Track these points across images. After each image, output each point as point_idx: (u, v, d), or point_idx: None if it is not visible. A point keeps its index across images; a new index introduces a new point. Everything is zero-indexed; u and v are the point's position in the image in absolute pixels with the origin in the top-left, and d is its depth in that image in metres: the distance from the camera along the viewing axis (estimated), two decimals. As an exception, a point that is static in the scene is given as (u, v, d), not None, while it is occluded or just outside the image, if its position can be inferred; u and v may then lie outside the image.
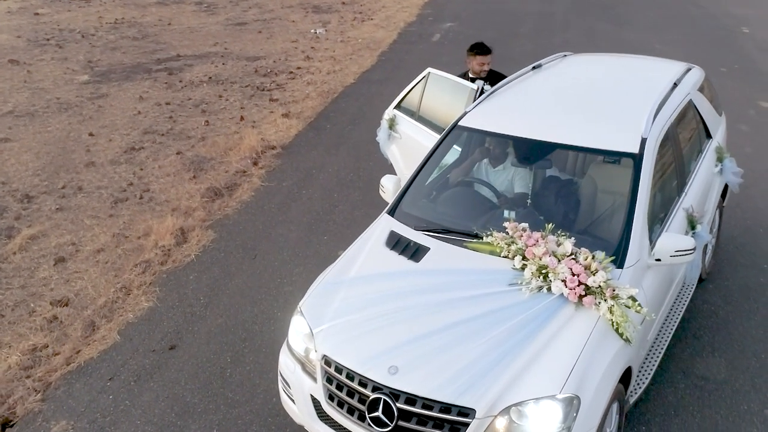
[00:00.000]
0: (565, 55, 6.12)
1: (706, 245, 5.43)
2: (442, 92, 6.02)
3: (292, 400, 3.95)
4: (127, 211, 7.55)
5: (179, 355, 5.17)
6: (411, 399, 3.40)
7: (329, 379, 3.68)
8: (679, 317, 4.94)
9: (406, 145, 6.04)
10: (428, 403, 3.37)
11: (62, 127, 10.10)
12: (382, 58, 13.37)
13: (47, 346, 5.39)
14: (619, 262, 3.93)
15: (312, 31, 15.80)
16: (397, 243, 4.27)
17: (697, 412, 4.50)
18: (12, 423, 4.62)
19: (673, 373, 4.83)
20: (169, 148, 9.21)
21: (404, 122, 6.15)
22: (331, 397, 3.69)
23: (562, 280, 3.75)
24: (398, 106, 6.31)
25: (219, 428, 4.46)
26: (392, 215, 4.60)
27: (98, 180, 8.36)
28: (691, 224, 4.71)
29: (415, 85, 6.27)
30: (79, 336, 5.46)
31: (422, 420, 3.39)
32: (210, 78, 12.37)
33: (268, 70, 12.80)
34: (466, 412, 3.32)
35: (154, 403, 4.70)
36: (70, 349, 5.31)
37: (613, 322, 3.63)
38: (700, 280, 5.57)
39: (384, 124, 6.29)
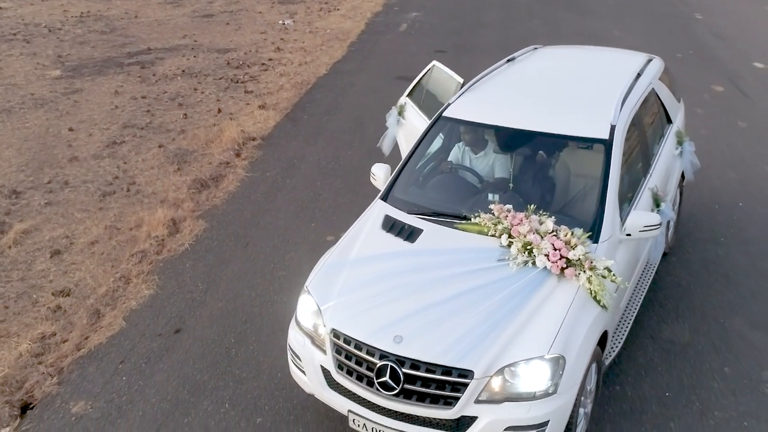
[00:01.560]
0: (536, 48, 6.56)
1: (669, 221, 5.90)
2: (439, 83, 6.42)
3: (303, 372, 4.27)
4: (115, 204, 7.77)
5: (185, 338, 5.48)
6: (415, 364, 3.75)
7: (338, 351, 4.01)
8: (647, 287, 5.42)
9: (408, 131, 6.41)
10: (431, 368, 3.73)
11: (40, 122, 10.21)
12: (351, 48, 13.67)
13: (55, 334, 5.64)
14: (594, 237, 4.36)
15: (280, 22, 16.00)
16: (392, 226, 4.63)
17: (665, 372, 4.98)
18: (32, 406, 4.88)
19: (642, 338, 5.31)
20: (151, 142, 9.42)
21: (410, 110, 6.53)
22: (340, 367, 4.01)
23: (545, 255, 4.16)
24: (409, 94, 6.69)
25: (230, 402, 4.80)
26: (385, 201, 4.96)
27: (83, 174, 8.54)
28: (656, 202, 5.13)
29: (422, 76, 6.65)
30: (85, 323, 5.72)
31: (426, 383, 3.75)
32: (183, 71, 12.53)
33: (240, 62, 13.01)
34: (465, 373, 3.69)
35: (166, 382, 5.01)
36: (78, 335, 5.58)
37: (591, 291, 4.05)
38: (664, 254, 6.04)
39: (394, 110, 6.66)
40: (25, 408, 4.87)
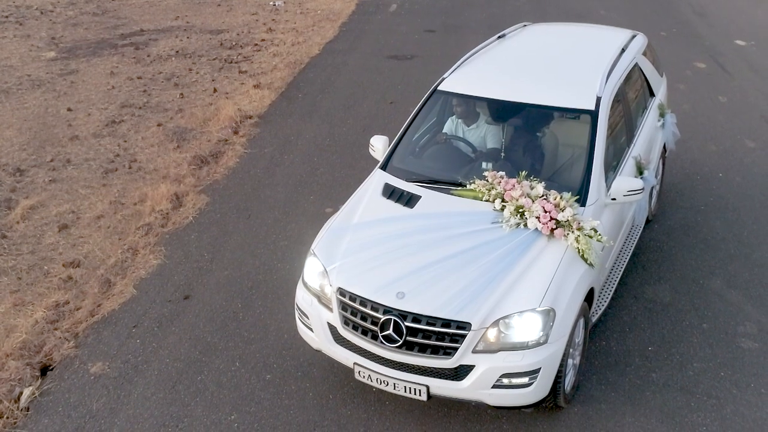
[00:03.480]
0: (525, 25, 6.85)
1: (651, 189, 6.23)
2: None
3: (310, 329, 4.53)
4: (118, 181, 8.00)
5: (194, 303, 5.76)
6: (417, 318, 4.02)
7: (344, 308, 4.27)
8: (631, 251, 5.74)
9: None
10: (431, 321, 4.00)
11: (39, 103, 10.39)
12: (343, 28, 13.86)
13: (68, 302, 5.90)
14: (582, 201, 4.67)
15: (271, 3, 16.14)
16: (392, 193, 4.90)
17: (647, 329, 5.31)
18: (52, 367, 5.16)
19: (626, 298, 5.64)
20: (149, 121, 9.63)
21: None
22: (346, 323, 4.27)
23: (536, 217, 4.45)
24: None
25: (240, 361, 5.09)
26: (384, 170, 5.24)
27: (84, 152, 8.75)
28: (640, 170, 5.46)
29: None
30: (97, 292, 5.98)
31: (426, 335, 4.02)
32: (177, 52, 12.70)
33: (233, 43, 13.18)
34: (463, 325, 3.98)
35: (178, 344, 5.30)
36: (90, 303, 5.84)
37: (579, 250, 4.36)
38: (648, 221, 6.36)
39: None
40: (44, 370, 5.15)
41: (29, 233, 7.02)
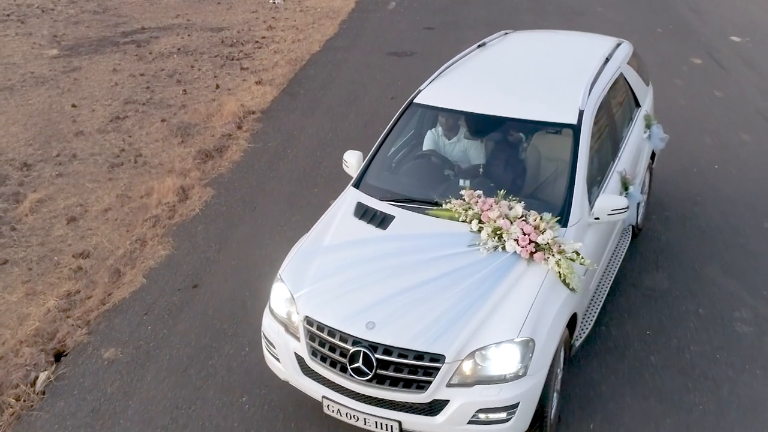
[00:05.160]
0: (507, 33, 6.63)
1: (638, 205, 5.92)
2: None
3: (277, 359, 4.30)
4: (124, 175, 8.13)
5: (203, 292, 5.89)
6: (388, 350, 3.79)
7: (312, 337, 4.03)
8: (616, 269, 5.52)
9: None
10: (403, 353, 3.77)
11: (43, 99, 10.50)
12: (342, 26, 14.00)
13: (79, 292, 6.03)
14: (563, 221, 4.42)
15: (271, 1, 16.26)
16: (364, 213, 4.67)
17: (646, 314, 5.46)
18: (65, 353, 5.28)
19: (625, 286, 5.78)
20: (153, 116, 9.75)
21: None
22: (314, 353, 4.04)
23: (515, 240, 4.23)
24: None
25: (249, 347, 5.22)
26: (357, 188, 5.00)
27: (90, 148, 8.87)
28: (625, 186, 5.23)
29: None
30: (107, 281, 6.11)
31: (398, 367, 3.79)
32: (179, 49, 12.82)
33: (234, 41, 13.31)
34: (437, 357, 3.74)
35: (188, 330, 5.43)
36: (101, 292, 5.96)
37: (560, 274, 4.12)
38: (635, 234, 6.23)
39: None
40: (59, 356, 5.27)
41: (38, 225, 7.14)
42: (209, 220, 7.01)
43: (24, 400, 4.81)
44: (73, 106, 10.19)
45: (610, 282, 5.36)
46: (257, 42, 13.17)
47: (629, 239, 5.95)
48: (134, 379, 4.97)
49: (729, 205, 6.97)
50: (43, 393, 4.89)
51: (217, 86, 10.81)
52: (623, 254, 5.72)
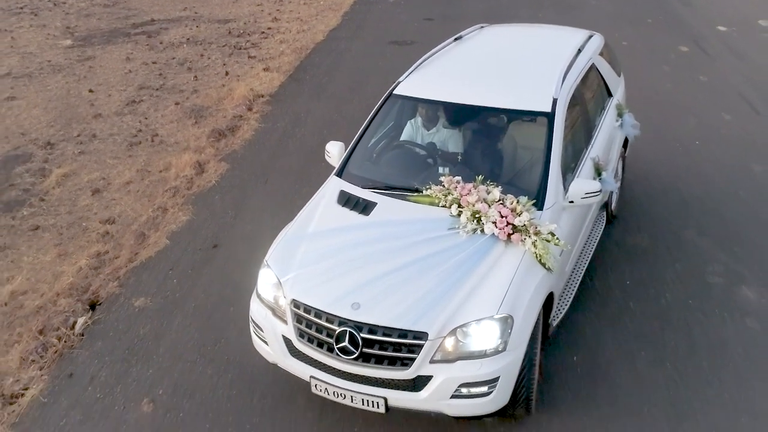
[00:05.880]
0: (483, 27, 6.84)
1: (611, 193, 6.24)
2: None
3: (265, 342, 4.43)
4: (143, 152, 8.65)
5: (222, 251, 6.42)
6: (373, 329, 3.93)
7: (299, 320, 4.16)
8: (590, 255, 5.73)
9: None
10: (387, 331, 3.91)
11: (60, 85, 11.02)
12: (345, 17, 14.53)
13: (107, 252, 6.55)
14: (539, 205, 4.60)
15: (275, -6, 16.77)
16: (347, 200, 4.82)
17: (627, 269, 5.99)
18: (99, 303, 5.81)
19: (609, 245, 6.31)
20: (167, 100, 10.27)
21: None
22: (301, 335, 4.16)
23: (493, 222, 4.38)
24: None
25: (267, 297, 5.74)
26: (340, 176, 5.17)
27: (108, 128, 9.40)
28: (598, 171, 5.41)
29: None
30: (133, 243, 6.63)
31: (383, 346, 3.94)
32: (188, 39, 13.34)
33: (241, 32, 13.83)
34: (420, 335, 3.89)
35: (211, 283, 5.96)
36: (128, 252, 6.49)
37: (536, 255, 4.29)
38: (609, 221, 6.46)
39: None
40: (93, 305, 5.79)
41: (65, 197, 7.66)
42: (225, 190, 7.54)
43: (65, 341, 5.34)
44: (90, 91, 10.71)
45: (585, 265, 5.58)
46: (263, 33, 13.69)
47: (603, 225, 6.20)
48: (163, 324, 5.50)
49: (708, 176, 7.50)
50: (82, 335, 5.42)
51: (227, 73, 11.34)
52: (597, 239, 5.96)
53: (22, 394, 4.86)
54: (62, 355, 5.22)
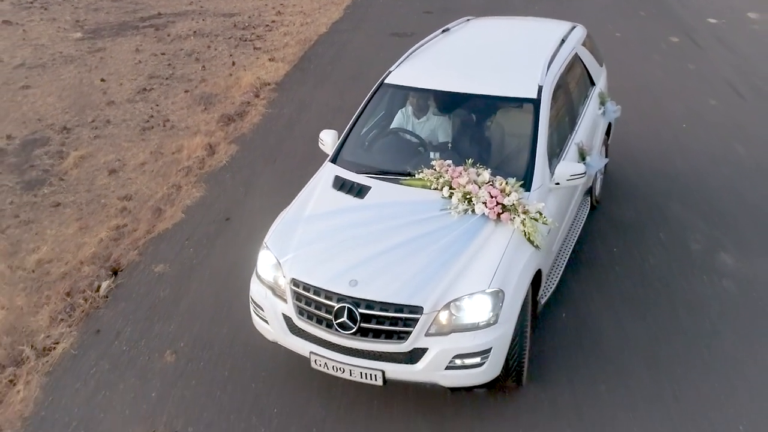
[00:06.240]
0: (469, 19, 7.10)
1: (595, 177, 6.51)
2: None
3: (266, 321, 4.58)
4: (155, 136, 9.07)
5: (234, 224, 6.84)
6: (370, 305, 4.09)
7: (298, 298, 4.31)
8: (575, 238, 5.99)
9: None
10: (384, 306, 4.08)
11: (73, 75, 11.44)
12: (347, 11, 14.97)
13: (126, 225, 6.96)
14: (527, 186, 4.79)
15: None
16: (342, 185, 4.99)
17: (613, 237, 6.40)
18: (121, 269, 6.22)
19: (597, 216, 6.71)
20: (176, 89, 10.69)
21: None
22: (301, 313, 4.31)
23: (483, 203, 4.57)
24: None
25: (277, 263, 6.15)
26: (334, 163, 5.35)
27: (121, 115, 9.81)
28: (582, 156, 5.65)
29: None
30: (150, 217, 7.05)
31: (380, 321, 4.10)
32: (194, 32, 13.76)
33: (246, 25, 14.25)
34: (416, 309, 4.06)
35: (225, 252, 6.38)
36: (146, 225, 6.90)
37: (525, 233, 4.50)
38: (593, 207, 6.69)
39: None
40: (115, 271, 6.21)
41: (83, 177, 8.08)
42: (235, 169, 7.96)
43: (91, 302, 5.76)
44: (102, 80, 11.12)
45: (571, 248, 5.83)
46: (267, 26, 14.12)
47: (587, 210, 6.44)
48: (182, 287, 5.92)
49: (693, 155, 7.92)
50: (106, 297, 5.84)
51: (233, 63, 11.75)
52: (582, 224, 6.21)
53: (54, 348, 5.28)
54: (89, 315, 5.64)
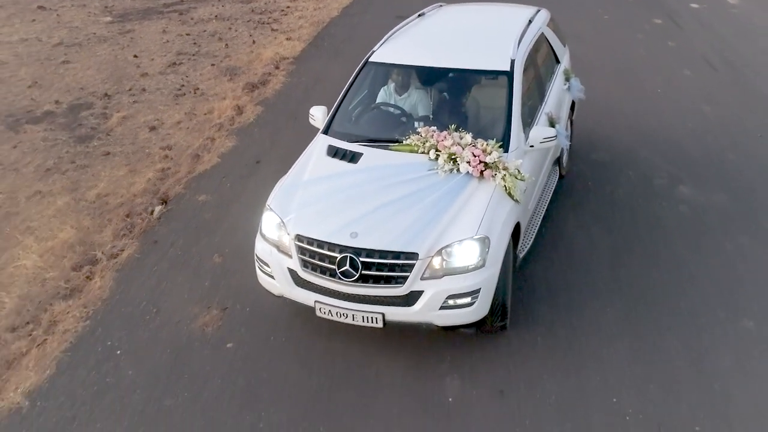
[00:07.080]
0: (441, 5, 7.55)
1: (562, 150, 7.04)
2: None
3: (272, 277, 4.93)
4: (187, 102, 10.16)
5: (263, 166, 7.94)
6: (370, 253, 4.49)
7: (302, 252, 4.68)
8: (546, 204, 6.50)
9: None
10: (383, 254, 4.49)
11: (108, 52, 12.55)
12: (357, -3, 16.11)
13: (170, 168, 8.06)
14: (505, 148, 5.25)
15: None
16: (336, 152, 5.40)
17: (590, 175, 7.47)
18: (169, 199, 7.32)
19: (576, 160, 7.78)
20: (203, 63, 11.80)
21: None
22: (305, 265, 4.69)
23: (467, 162, 5.00)
24: None
25: (302, 194, 7.23)
26: (326, 134, 5.79)
27: (155, 84, 10.92)
28: (551, 123, 6.10)
29: None
30: (190, 162, 8.14)
31: (379, 267, 4.50)
32: (215, 16, 14.88)
33: (263, 10, 15.36)
34: (412, 256, 4.48)
35: (258, 187, 7.42)
36: (187, 167, 8.00)
37: (506, 188, 4.96)
38: (561, 177, 7.23)
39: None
40: (165, 201, 7.29)
41: (126, 133, 9.18)
42: (262, 126, 9.06)
43: (147, 222, 6.85)
44: (135, 56, 12.23)
45: (543, 211, 6.34)
46: (283, 10, 15.23)
47: (557, 178, 7.01)
48: (222, 212, 7.02)
49: (665, 114, 8.99)
50: (159, 218, 6.93)
51: (254, 41, 12.86)
52: (552, 190, 6.75)
53: (120, 253, 6.38)
54: (146, 231, 6.73)
